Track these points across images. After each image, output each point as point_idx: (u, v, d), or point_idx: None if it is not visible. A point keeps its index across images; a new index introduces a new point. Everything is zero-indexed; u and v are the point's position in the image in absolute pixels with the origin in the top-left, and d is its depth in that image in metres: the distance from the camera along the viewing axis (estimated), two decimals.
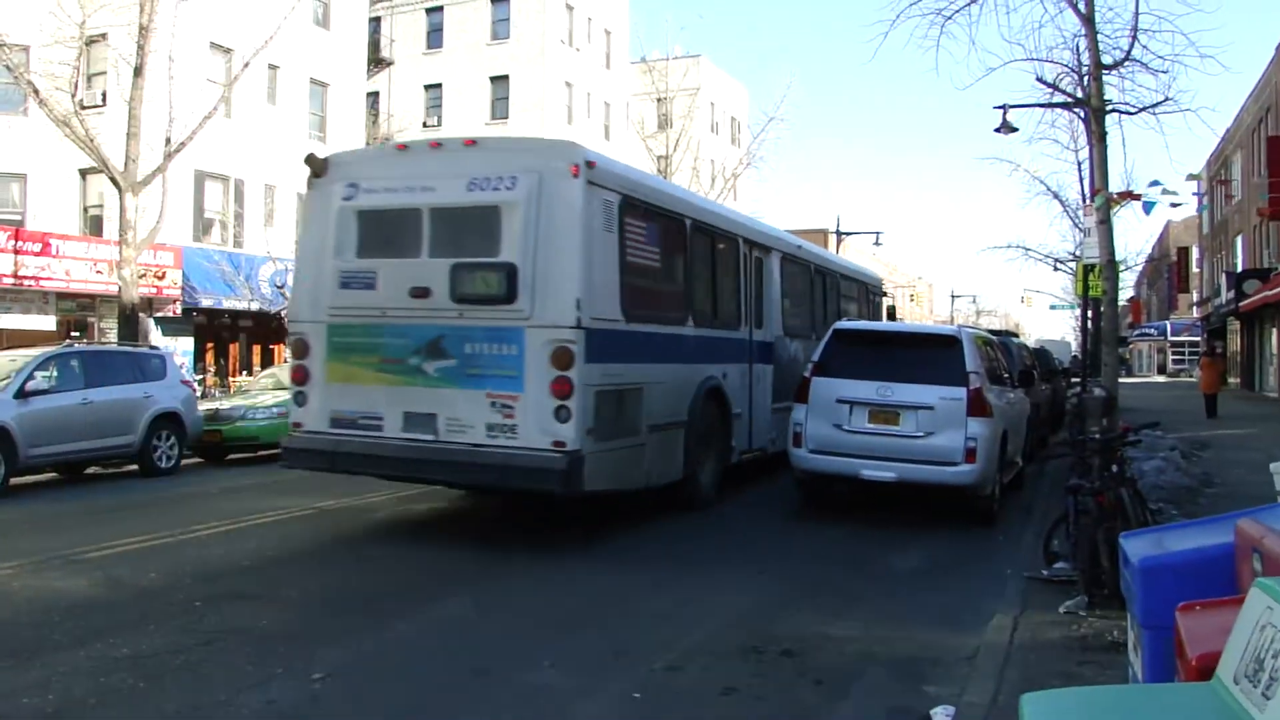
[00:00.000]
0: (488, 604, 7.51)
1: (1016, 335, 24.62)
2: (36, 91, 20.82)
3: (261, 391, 19.46)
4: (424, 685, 5.79)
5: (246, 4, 28.83)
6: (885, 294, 23.47)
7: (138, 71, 21.13)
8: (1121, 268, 35.94)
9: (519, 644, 6.54)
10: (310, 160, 10.17)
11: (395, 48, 47.88)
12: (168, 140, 21.92)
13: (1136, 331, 74.69)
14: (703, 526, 10.93)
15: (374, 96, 45.88)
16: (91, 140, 20.92)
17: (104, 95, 26.30)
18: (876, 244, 50.34)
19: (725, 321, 12.36)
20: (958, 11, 15.29)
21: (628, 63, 51.65)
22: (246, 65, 24.15)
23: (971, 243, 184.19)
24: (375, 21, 45.12)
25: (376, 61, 45.54)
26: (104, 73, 26.12)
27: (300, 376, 9.98)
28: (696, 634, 6.80)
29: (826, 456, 10.86)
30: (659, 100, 42.81)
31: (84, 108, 22.60)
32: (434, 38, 47.88)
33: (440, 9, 47.47)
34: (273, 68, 30.95)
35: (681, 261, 11.38)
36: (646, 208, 10.34)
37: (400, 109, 46.67)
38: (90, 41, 26.50)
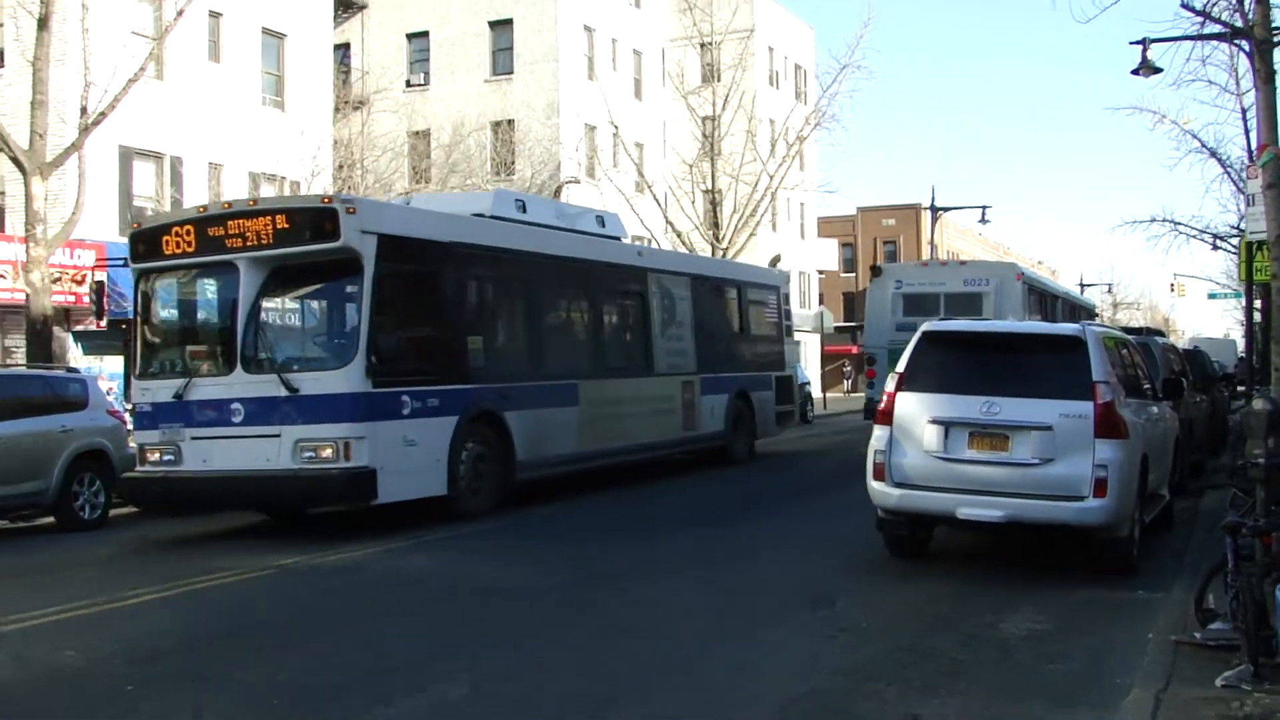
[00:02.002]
0: (486, 687, 7.59)
1: (1163, 334, 24.62)
2: None
3: None
4: None
5: None
6: (1097, 314, 41.16)
7: (43, 23, 21.22)
8: None
9: None
10: (874, 268, 26.69)
11: None
12: (84, 110, 22.16)
13: None
14: (767, 576, 11.14)
15: (343, 49, 46.37)
16: None
17: (0, 54, 26.74)
18: (983, 221, 50.19)
19: None
20: None
21: None
22: (181, 13, 24.33)
23: (1104, 218, 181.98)
24: None
25: (346, 5, 46.02)
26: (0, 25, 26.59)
27: (873, 375, 25.22)
28: (755, 711, 6.88)
29: (915, 491, 10.88)
30: (703, 46, 42.79)
31: None
32: None
33: None
34: (215, 16, 31.40)
35: (1035, 312, 26.44)
36: (1033, 287, 27.26)
37: (377, 64, 47.09)
38: None
